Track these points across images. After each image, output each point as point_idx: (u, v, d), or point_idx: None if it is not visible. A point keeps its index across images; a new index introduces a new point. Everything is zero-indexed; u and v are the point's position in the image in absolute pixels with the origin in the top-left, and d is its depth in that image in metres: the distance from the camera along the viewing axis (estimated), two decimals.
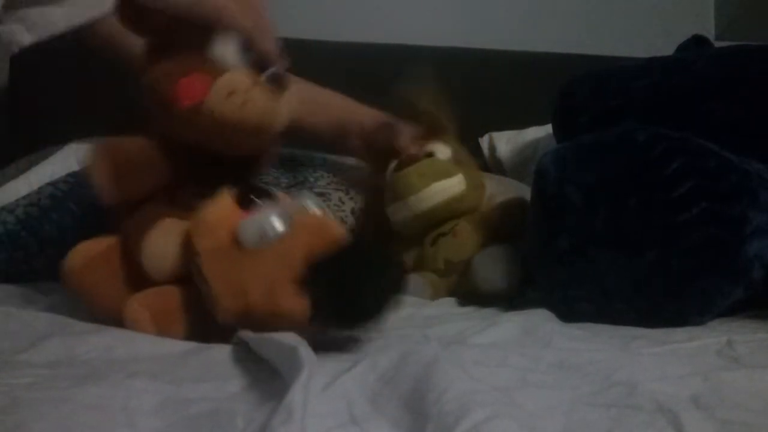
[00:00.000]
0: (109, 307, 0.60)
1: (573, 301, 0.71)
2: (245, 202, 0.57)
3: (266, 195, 0.60)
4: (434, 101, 0.92)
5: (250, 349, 0.49)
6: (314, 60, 0.95)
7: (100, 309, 0.62)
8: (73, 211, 0.92)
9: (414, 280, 0.79)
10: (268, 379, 0.44)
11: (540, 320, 0.66)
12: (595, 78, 0.93)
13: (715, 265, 0.66)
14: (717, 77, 0.81)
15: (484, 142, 1.44)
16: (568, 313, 0.70)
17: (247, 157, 0.67)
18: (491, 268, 0.80)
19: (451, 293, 0.85)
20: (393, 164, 0.90)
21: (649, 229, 0.67)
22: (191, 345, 0.54)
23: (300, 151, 1.10)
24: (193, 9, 0.60)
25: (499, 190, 1.04)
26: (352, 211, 0.99)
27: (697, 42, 1.03)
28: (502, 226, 0.88)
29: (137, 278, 0.60)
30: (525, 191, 0.91)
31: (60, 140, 1.05)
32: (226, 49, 0.61)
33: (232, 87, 0.59)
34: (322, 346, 0.51)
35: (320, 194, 0.99)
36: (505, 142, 1.39)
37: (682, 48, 1.04)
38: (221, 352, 0.51)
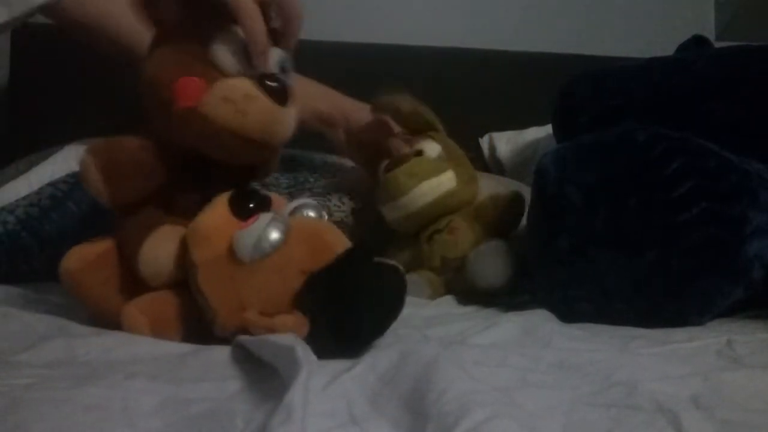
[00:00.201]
0: (106, 310, 0.60)
1: (573, 301, 0.71)
2: (242, 210, 0.56)
3: (264, 201, 0.59)
4: (414, 102, 0.92)
5: (249, 350, 0.49)
6: (314, 60, 0.95)
7: (97, 311, 0.62)
8: (73, 211, 0.92)
9: (412, 279, 0.79)
10: (268, 378, 0.43)
11: (540, 320, 0.66)
12: (595, 78, 0.93)
13: (715, 265, 0.66)
14: (717, 77, 0.81)
15: (484, 142, 1.44)
16: (568, 313, 0.70)
17: (246, 165, 0.66)
18: (487, 265, 0.80)
19: (449, 290, 0.85)
20: (384, 164, 0.91)
21: (649, 229, 0.67)
22: (190, 346, 0.54)
23: (299, 152, 1.10)
24: None
25: (499, 191, 1.04)
26: (352, 212, 0.99)
27: (697, 42, 1.03)
28: (498, 221, 0.88)
29: (134, 282, 0.60)
30: (525, 191, 0.91)
31: (60, 140, 1.05)
32: (229, 54, 0.59)
33: (228, 93, 0.57)
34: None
35: (320, 195, 0.98)
36: (505, 142, 1.39)
37: (682, 48, 1.04)
38: (220, 352, 0.50)
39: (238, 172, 0.64)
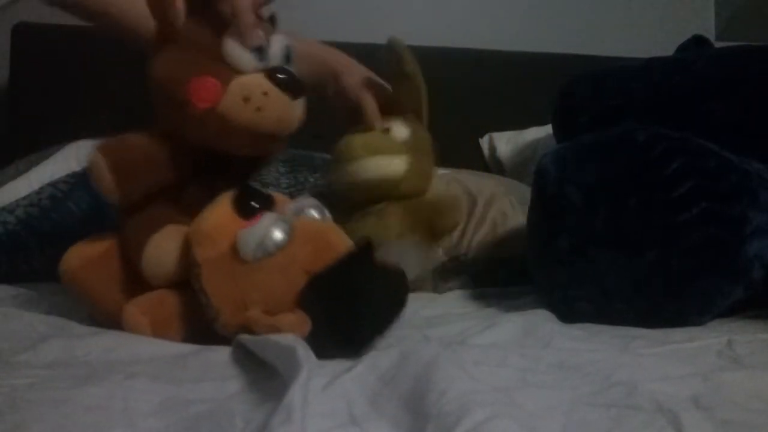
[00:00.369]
0: (106, 308, 0.60)
1: (573, 301, 0.71)
2: (245, 209, 0.56)
3: (266, 200, 0.59)
4: (412, 83, 0.90)
5: (250, 350, 0.49)
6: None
7: (97, 310, 0.62)
8: (73, 211, 0.92)
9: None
10: (268, 379, 0.43)
11: (540, 320, 0.66)
12: (595, 78, 0.93)
13: (715, 265, 0.66)
14: (717, 77, 0.81)
15: (484, 142, 1.44)
16: (568, 313, 0.70)
17: (253, 157, 0.66)
18: (392, 259, 0.79)
19: None
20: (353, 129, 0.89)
21: (649, 229, 0.67)
22: (190, 346, 0.54)
23: (300, 152, 1.10)
24: None
25: (499, 190, 1.04)
26: None
27: (697, 42, 1.03)
28: (429, 223, 0.86)
29: (135, 280, 0.60)
30: (525, 191, 0.91)
31: (60, 140, 1.05)
32: (240, 49, 0.59)
33: (247, 92, 0.57)
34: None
35: (321, 195, 0.98)
36: (505, 142, 1.39)
37: (682, 48, 1.04)
38: (220, 353, 0.50)
39: (244, 163, 0.64)
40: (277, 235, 0.53)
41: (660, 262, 0.66)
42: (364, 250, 0.54)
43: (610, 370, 0.48)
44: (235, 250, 0.53)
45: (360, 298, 0.52)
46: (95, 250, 0.63)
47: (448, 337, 0.61)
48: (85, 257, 0.62)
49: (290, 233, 0.53)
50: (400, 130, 0.89)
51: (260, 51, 0.59)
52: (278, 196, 0.63)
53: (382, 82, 0.91)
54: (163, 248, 0.58)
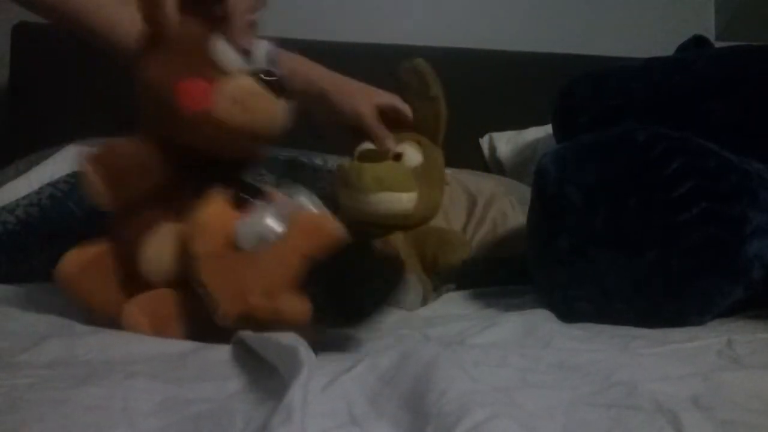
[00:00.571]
0: (105, 311, 0.60)
1: (573, 301, 0.71)
2: (239, 203, 0.57)
3: (260, 194, 0.60)
4: (435, 106, 0.90)
5: (250, 349, 0.49)
6: (314, 60, 0.95)
7: (96, 313, 0.62)
8: (73, 211, 0.92)
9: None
10: (268, 378, 0.43)
11: (540, 320, 0.66)
12: (595, 78, 0.93)
13: (715, 265, 0.66)
14: (717, 77, 0.81)
15: (484, 142, 1.44)
16: (568, 313, 0.70)
17: (241, 157, 0.66)
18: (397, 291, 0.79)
19: None
20: (362, 146, 0.89)
21: (649, 229, 0.67)
22: (190, 345, 0.54)
23: (299, 152, 1.09)
24: None
25: (499, 191, 1.04)
26: None
27: (697, 42, 1.03)
28: (437, 256, 0.85)
29: (132, 282, 0.60)
30: (525, 191, 0.91)
31: (60, 140, 1.05)
32: (230, 50, 0.60)
33: (236, 94, 0.58)
34: (322, 346, 0.51)
35: (320, 196, 0.98)
36: (505, 142, 1.39)
37: (682, 48, 1.04)
38: (220, 352, 0.50)
39: (232, 163, 0.65)
40: (275, 223, 0.54)
41: (660, 262, 0.66)
42: (363, 239, 0.55)
43: (610, 370, 0.48)
44: (231, 242, 0.54)
45: (361, 276, 0.53)
46: (89, 255, 0.63)
47: (448, 337, 0.61)
48: (81, 262, 0.62)
49: (287, 222, 0.54)
50: (413, 155, 0.88)
51: (247, 53, 0.60)
52: (274, 192, 0.64)
53: (399, 102, 0.91)
54: (160, 245, 0.58)
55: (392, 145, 0.89)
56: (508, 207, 1.00)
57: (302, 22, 1.41)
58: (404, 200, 0.85)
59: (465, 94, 1.42)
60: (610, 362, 0.50)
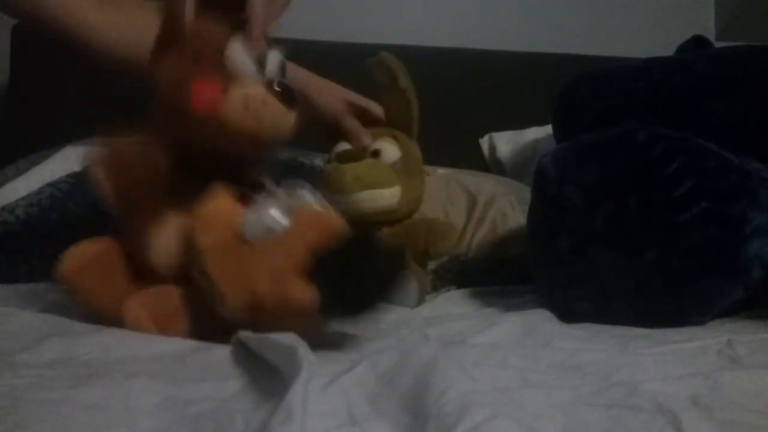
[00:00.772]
0: (106, 310, 0.60)
1: (573, 301, 0.71)
2: (244, 197, 0.58)
3: (264, 189, 0.61)
4: (404, 98, 0.89)
5: (250, 349, 0.49)
6: (314, 60, 0.95)
7: (96, 312, 0.62)
8: (73, 211, 0.92)
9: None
10: (268, 378, 0.43)
11: (540, 320, 0.66)
12: (595, 78, 0.93)
13: (715, 265, 0.66)
14: (717, 77, 0.81)
15: (484, 142, 1.44)
16: (568, 313, 0.70)
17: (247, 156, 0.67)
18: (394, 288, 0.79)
19: None
20: (338, 146, 0.88)
21: (649, 229, 0.67)
22: (191, 345, 0.54)
23: (299, 152, 1.10)
24: None
25: (499, 190, 1.04)
26: None
27: (697, 42, 1.03)
28: (427, 245, 0.85)
29: (135, 279, 0.60)
30: (525, 191, 0.91)
31: (60, 140, 1.05)
32: (246, 56, 0.60)
33: (248, 100, 0.59)
34: (322, 346, 0.51)
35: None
36: (505, 142, 1.39)
37: (682, 48, 1.04)
38: (221, 352, 0.50)
39: (239, 161, 0.65)
40: (281, 216, 0.55)
41: (660, 262, 0.66)
42: (366, 234, 0.57)
43: (610, 370, 0.48)
44: (237, 234, 0.55)
45: (365, 267, 0.54)
46: (91, 252, 0.63)
47: (448, 337, 0.61)
48: (82, 260, 0.62)
49: (293, 216, 0.56)
50: (390, 151, 0.88)
51: (262, 60, 0.61)
52: (276, 188, 0.65)
53: (367, 102, 0.91)
54: (168, 236, 0.59)
55: (369, 141, 0.88)
56: (508, 207, 1.00)
57: (302, 22, 1.41)
58: (387, 196, 0.85)
59: (465, 94, 1.43)
60: (610, 362, 0.50)
